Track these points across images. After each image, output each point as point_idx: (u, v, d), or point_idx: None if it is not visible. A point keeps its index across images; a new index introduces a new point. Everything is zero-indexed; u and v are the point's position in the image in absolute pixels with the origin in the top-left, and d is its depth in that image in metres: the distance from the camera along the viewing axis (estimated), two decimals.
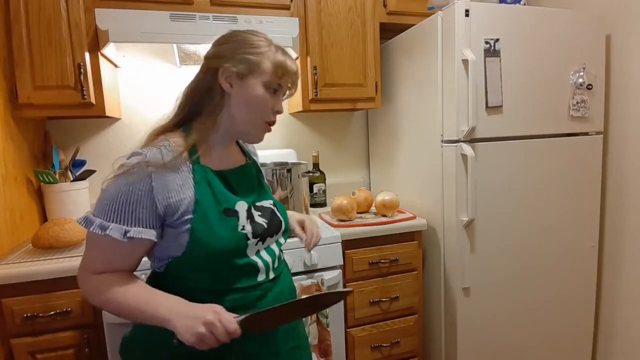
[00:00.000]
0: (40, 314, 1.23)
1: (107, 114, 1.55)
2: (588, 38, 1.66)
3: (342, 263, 1.53)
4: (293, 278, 1.02)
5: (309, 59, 1.74)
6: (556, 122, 1.66)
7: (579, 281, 1.78)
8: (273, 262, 0.88)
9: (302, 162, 1.64)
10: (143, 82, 1.86)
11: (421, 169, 1.78)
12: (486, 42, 1.51)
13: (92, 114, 1.52)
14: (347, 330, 1.59)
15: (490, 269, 1.64)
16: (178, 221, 0.77)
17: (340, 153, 2.22)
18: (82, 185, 1.64)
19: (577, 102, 1.67)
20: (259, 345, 0.83)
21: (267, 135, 0.91)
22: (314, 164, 2.02)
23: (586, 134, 1.72)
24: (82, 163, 1.73)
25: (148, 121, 1.87)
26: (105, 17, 1.40)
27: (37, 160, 1.65)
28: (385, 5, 1.85)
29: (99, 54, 1.50)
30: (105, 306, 0.79)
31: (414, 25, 1.76)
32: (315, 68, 1.74)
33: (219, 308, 0.73)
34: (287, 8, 1.70)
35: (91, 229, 0.75)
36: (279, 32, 1.56)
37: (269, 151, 1.93)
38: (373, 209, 1.80)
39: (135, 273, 0.82)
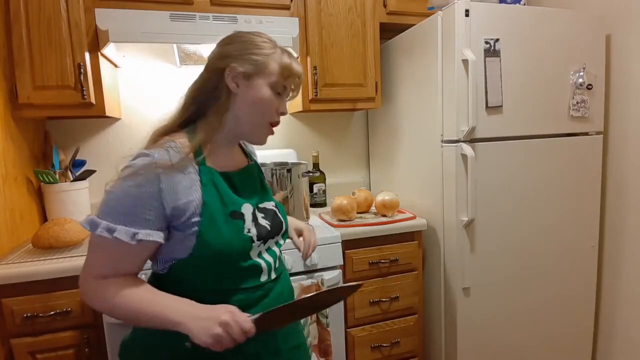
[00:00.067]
0: (40, 314, 1.23)
1: (107, 114, 1.55)
2: (588, 38, 1.66)
3: (342, 263, 1.53)
4: (293, 278, 1.03)
5: (309, 59, 1.74)
6: (556, 122, 1.66)
7: (579, 281, 1.78)
8: (274, 263, 0.89)
9: (302, 162, 1.64)
10: (143, 82, 1.86)
11: (421, 169, 1.78)
12: (486, 42, 1.51)
13: (92, 114, 1.52)
14: (347, 330, 1.59)
15: (490, 269, 1.64)
16: (185, 223, 0.76)
17: (340, 153, 2.22)
18: (82, 185, 1.64)
19: (577, 102, 1.67)
20: (260, 345, 0.83)
21: None
22: (314, 164, 2.02)
23: (586, 134, 1.72)
24: (82, 163, 1.73)
25: (148, 121, 1.87)
26: (105, 17, 1.40)
27: (37, 160, 1.65)
28: (385, 5, 1.85)
29: (99, 54, 1.50)
30: (112, 312, 0.76)
31: (414, 25, 1.76)
32: (315, 68, 1.74)
33: (233, 308, 0.74)
34: (287, 8, 1.70)
35: (97, 232, 0.72)
36: (279, 32, 1.56)
37: (269, 151, 1.93)
38: (373, 209, 1.80)
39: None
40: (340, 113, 2.18)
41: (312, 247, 1.12)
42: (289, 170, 1.55)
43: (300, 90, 1.74)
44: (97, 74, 1.50)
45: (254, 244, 0.83)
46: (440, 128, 1.62)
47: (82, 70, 1.45)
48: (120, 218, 0.73)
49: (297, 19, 1.65)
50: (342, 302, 1.53)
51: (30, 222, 1.53)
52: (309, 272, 1.45)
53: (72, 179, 1.65)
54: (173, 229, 0.77)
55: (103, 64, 1.54)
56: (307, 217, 1.65)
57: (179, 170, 0.76)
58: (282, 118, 0.90)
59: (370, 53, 1.83)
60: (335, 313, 1.49)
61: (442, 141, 1.62)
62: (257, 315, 0.74)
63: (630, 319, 1.75)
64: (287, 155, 1.98)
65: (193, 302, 0.75)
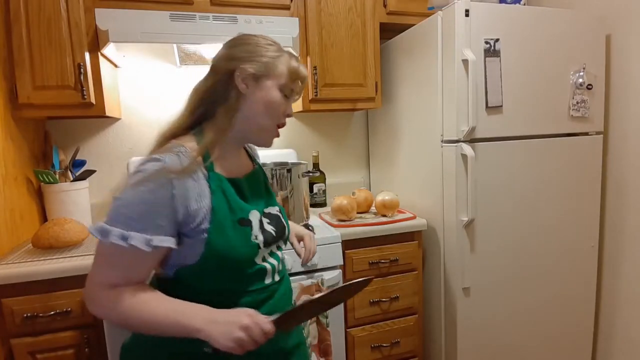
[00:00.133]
0: (40, 314, 1.23)
1: (107, 114, 1.55)
2: (588, 38, 1.66)
3: (342, 263, 1.53)
4: (293, 278, 1.05)
5: (309, 59, 1.74)
6: (556, 122, 1.66)
7: (579, 281, 1.78)
8: (278, 265, 0.91)
9: (302, 162, 1.64)
10: (143, 82, 1.86)
11: (421, 169, 1.78)
12: (486, 42, 1.51)
13: (92, 114, 1.52)
14: (347, 330, 1.59)
15: (490, 269, 1.64)
16: (195, 230, 0.76)
17: (340, 153, 2.22)
18: (82, 185, 1.64)
19: (577, 102, 1.67)
20: (268, 344, 0.84)
21: None
22: (314, 164, 2.02)
23: (586, 134, 1.72)
24: (82, 163, 1.73)
25: (148, 121, 1.87)
26: (105, 17, 1.40)
27: (37, 160, 1.65)
28: (385, 5, 1.85)
29: (99, 54, 1.50)
30: (126, 322, 0.74)
31: (414, 25, 1.76)
32: (315, 68, 1.74)
33: (251, 311, 0.74)
34: (287, 8, 1.70)
35: (109, 239, 0.70)
36: (279, 32, 1.56)
37: (269, 151, 1.93)
38: (373, 209, 1.80)
39: None
40: (340, 113, 2.18)
41: (312, 253, 1.16)
42: (289, 170, 1.55)
43: None
44: (97, 74, 1.50)
45: (260, 250, 0.84)
46: (440, 128, 1.62)
47: (82, 70, 1.45)
48: (134, 224, 0.71)
49: (297, 19, 1.65)
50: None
51: (30, 222, 1.53)
52: (309, 272, 1.45)
53: (72, 179, 1.65)
54: (183, 235, 0.77)
55: (103, 64, 1.54)
56: (307, 217, 1.65)
57: (189, 175, 0.76)
58: None
59: (370, 53, 1.83)
60: (335, 313, 1.49)
61: (442, 141, 1.62)
62: (276, 316, 0.75)
63: (630, 319, 1.75)
64: (287, 155, 1.98)
65: (210, 308, 0.75)
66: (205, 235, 0.76)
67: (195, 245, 0.76)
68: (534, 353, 1.76)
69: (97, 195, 1.81)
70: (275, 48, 0.85)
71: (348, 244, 1.56)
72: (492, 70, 1.53)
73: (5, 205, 1.35)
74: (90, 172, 1.67)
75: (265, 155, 1.83)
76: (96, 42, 1.48)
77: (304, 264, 1.16)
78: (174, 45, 1.66)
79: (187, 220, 0.75)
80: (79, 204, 1.62)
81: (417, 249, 1.68)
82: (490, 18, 1.51)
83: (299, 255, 1.16)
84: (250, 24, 1.53)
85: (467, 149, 1.52)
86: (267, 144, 0.90)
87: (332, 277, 1.46)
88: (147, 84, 1.87)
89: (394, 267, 1.64)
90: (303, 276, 1.42)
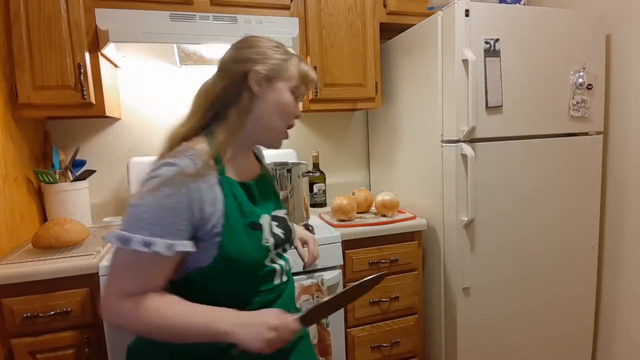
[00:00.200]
0: (40, 314, 1.23)
1: (107, 114, 1.55)
2: (588, 38, 1.66)
3: (342, 263, 1.53)
4: (294, 278, 1.04)
5: (309, 59, 1.74)
6: (556, 122, 1.66)
7: (579, 281, 1.78)
8: (285, 266, 0.93)
9: (302, 162, 1.64)
10: (143, 82, 1.86)
11: (421, 169, 1.78)
12: (486, 42, 1.51)
13: (92, 114, 1.52)
14: (347, 330, 1.59)
15: (490, 269, 1.64)
16: (209, 233, 0.76)
17: (340, 153, 2.22)
18: (82, 185, 1.64)
19: (577, 102, 1.67)
20: None
21: None
22: (314, 164, 2.02)
23: (586, 134, 1.72)
24: (82, 163, 1.73)
25: (148, 121, 1.87)
26: (105, 17, 1.40)
27: (37, 160, 1.65)
28: (385, 5, 1.85)
29: (99, 54, 1.50)
30: (149, 331, 0.74)
31: (414, 25, 1.76)
32: (315, 68, 1.74)
33: (277, 311, 0.77)
34: (287, 8, 1.70)
35: (131, 246, 0.69)
36: (279, 32, 1.56)
37: (269, 151, 1.92)
38: (373, 209, 1.80)
39: None
40: (340, 113, 2.18)
41: (316, 258, 1.18)
42: (289, 170, 1.55)
43: None
44: (97, 74, 1.50)
45: (270, 253, 0.85)
46: (440, 128, 1.62)
47: (82, 70, 1.45)
48: (156, 230, 0.71)
49: (297, 19, 1.65)
50: None
51: (30, 222, 1.53)
52: (309, 272, 1.45)
53: (72, 179, 1.65)
54: (197, 239, 0.77)
55: (103, 64, 1.54)
56: (307, 217, 1.65)
57: (203, 179, 0.76)
58: None
59: (370, 53, 1.83)
60: (335, 313, 1.49)
61: (442, 141, 1.62)
62: (300, 314, 0.79)
63: (630, 319, 1.75)
64: (287, 155, 1.98)
65: (234, 311, 0.76)
66: (219, 239, 0.76)
67: (209, 248, 0.77)
68: (534, 353, 1.76)
69: (97, 195, 1.81)
70: (282, 50, 0.87)
71: (348, 244, 1.56)
72: (492, 70, 1.53)
73: (5, 205, 1.35)
74: (90, 172, 1.67)
75: (266, 155, 1.82)
76: (96, 42, 1.48)
77: (307, 268, 1.18)
78: (174, 45, 1.66)
79: (202, 224, 0.75)
80: (79, 204, 1.62)
81: (417, 249, 1.68)
82: (490, 18, 1.51)
83: (302, 259, 1.17)
84: (250, 24, 1.53)
85: (467, 149, 1.52)
86: (277, 146, 0.91)
87: (332, 277, 1.46)
88: (147, 84, 1.87)
89: (394, 267, 1.64)
90: (303, 276, 1.42)
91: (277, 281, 0.89)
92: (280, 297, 0.89)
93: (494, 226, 1.62)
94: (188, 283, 0.80)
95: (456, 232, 1.58)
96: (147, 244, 0.70)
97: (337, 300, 0.85)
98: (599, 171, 1.75)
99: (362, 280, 0.86)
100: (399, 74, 1.89)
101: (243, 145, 0.88)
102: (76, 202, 1.61)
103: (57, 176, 1.59)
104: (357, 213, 1.73)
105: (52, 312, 1.24)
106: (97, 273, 1.25)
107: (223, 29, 1.50)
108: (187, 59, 1.80)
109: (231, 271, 0.80)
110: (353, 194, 1.80)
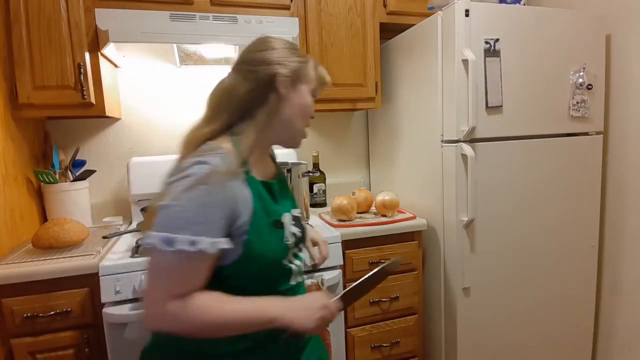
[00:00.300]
0: (40, 314, 1.23)
1: (107, 114, 1.55)
2: (588, 38, 1.66)
3: (342, 263, 1.53)
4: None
5: None
6: (556, 122, 1.66)
7: (579, 281, 1.78)
8: (301, 266, 0.94)
9: (302, 162, 1.64)
10: (143, 82, 1.86)
11: (421, 169, 1.78)
12: (486, 42, 1.51)
13: (92, 114, 1.52)
14: (347, 330, 1.59)
15: (490, 269, 1.64)
16: (238, 231, 0.76)
17: (340, 153, 2.22)
18: (82, 185, 1.64)
19: (577, 102, 1.67)
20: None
21: None
22: (314, 164, 2.02)
23: (586, 134, 1.72)
24: (82, 163, 1.73)
25: (148, 121, 1.87)
26: (105, 17, 1.40)
27: (37, 160, 1.65)
28: (385, 5, 1.85)
29: (99, 54, 1.50)
30: (202, 330, 0.73)
31: (414, 25, 1.76)
32: None
33: (320, 293, 0.84)
34: (287, 8, 1.70)
35: (176, 247, 0.68)
36: (279, 32, 1.56)
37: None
38: (373, 209, 1.80)
39: None
40: (340, 113, 2.18)
41: (325, 259, 1.20)
42: (289, 170, 1.55)
43: None
44: (97, 74, 1.50)
45: (289, 252, 0.87)
46: (440, 128, 1.62)
47: (82, 70, 1.45)
48: (198, 229, 0.70)
49: (297, 19, 1.65)
50: None
51: (30, 222, 1.53)
52: (309, 272, 1.45)
53: (72, 179, 1.65)
54: (228, 236, 0.77)
55: (103, 64, 1.54)
56: (307, 217, 1.65)
57: (234, 177, 0.76)
58: None
59: (370, 53, 1.83)
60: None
61: (442, 141, 1.62)
62: (341, 294, 0.86)
63: (630, 319, 1.75)
64: (287, 155, 1.98)
65: (280, 297, 0.80)
66: (245, 237, 0.77)
67: (236, 246, 0.77)
68: (534, 353, 1.76)
69: (97, 195, 1.81)
70: (298, 53, 0.89)
71: (348, 244, 1.56)
72: (492, 70, 1.53)
73: (5, 205, 1.35)
74: (90, 172, 1.67)
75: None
76: (96, 42, 1.48)
77: (316, 268, 1.20)
78: (174, 45, 1.67)
79: (234, 222, 0.76)
80: (79, 204, 1.62)
81: (417, 249, 1.68)
82: (490, 18, 1.51)
83: (313, 258, 1.18)
84: (250, 24, 1.53)
85: (467, 149, 1.52)
86: (297, 145, 0.93)
87: (332, 277, 1.46)
88: (147, 84, 1.87)
89: None
90: (303, 276, 1.42)
91: (293, 282, 0.90)
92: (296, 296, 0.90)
93: (494, 226, 1.62)
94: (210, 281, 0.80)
95: (456, 232, 1.58)
96: (193, 243, 0.69)
97: (369, 282, 0.92)
98: (599, 171, 1.75)
99: (385, 264, 0.95)
100: (399, 74, 1.89)
101: (266, 145, 0.90)
102: (76, 202, 1.61)
103: (57, 176, 1.59)
104: (357, 213, 1.73)
105: (52, 312, 1.24)
106: (97, 273, 1.25)
107: (223, 29, 1.50)
108: (187, 59, 1.80)
109: (252, 270, 0.80)
110: (353, 194, 1.80)
